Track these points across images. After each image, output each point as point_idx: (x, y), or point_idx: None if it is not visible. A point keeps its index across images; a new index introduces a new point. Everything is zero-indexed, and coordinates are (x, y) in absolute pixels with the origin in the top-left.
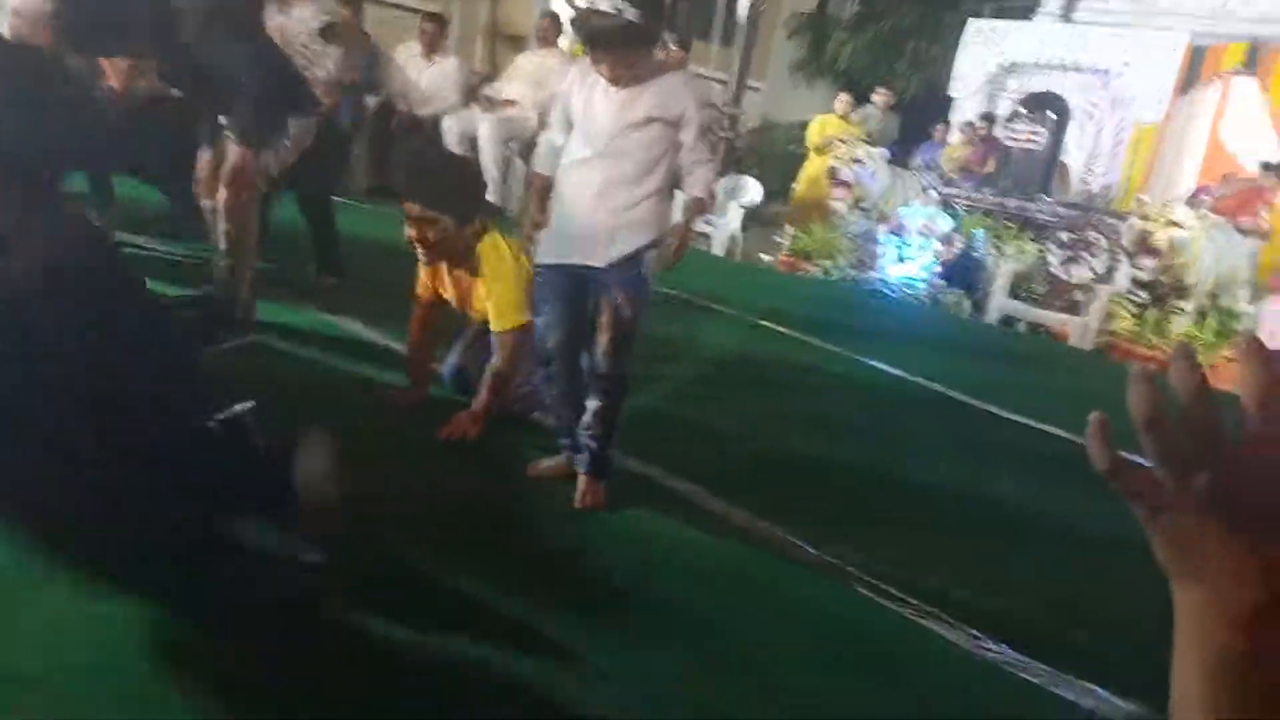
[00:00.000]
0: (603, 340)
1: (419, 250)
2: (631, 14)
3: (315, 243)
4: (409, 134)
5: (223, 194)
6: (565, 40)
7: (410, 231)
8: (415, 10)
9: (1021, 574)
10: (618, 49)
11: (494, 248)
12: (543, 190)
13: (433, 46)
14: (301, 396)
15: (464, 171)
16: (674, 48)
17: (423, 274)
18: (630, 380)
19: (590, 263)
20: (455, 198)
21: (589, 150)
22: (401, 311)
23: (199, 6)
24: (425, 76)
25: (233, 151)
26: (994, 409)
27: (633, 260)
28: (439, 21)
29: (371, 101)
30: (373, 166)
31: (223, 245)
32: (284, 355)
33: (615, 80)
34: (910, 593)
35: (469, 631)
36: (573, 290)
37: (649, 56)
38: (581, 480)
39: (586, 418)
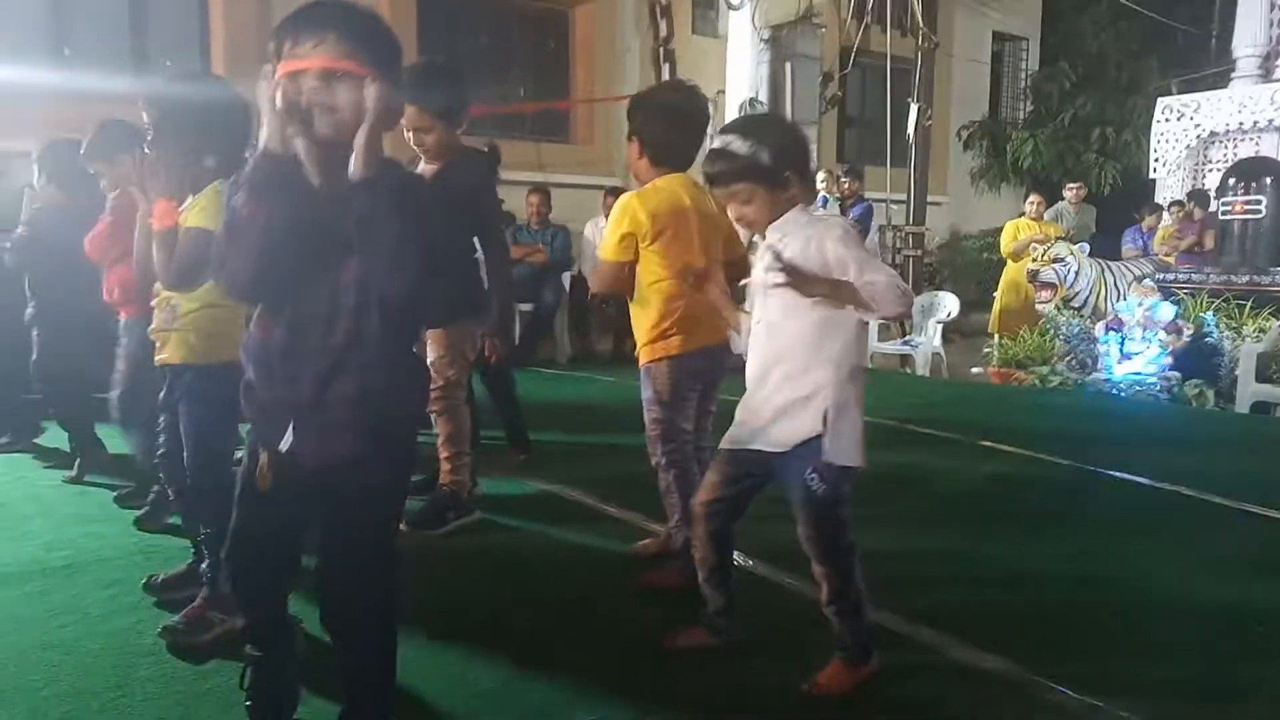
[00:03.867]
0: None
1: None
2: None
3: (502, 419)
4: (604, 301)
5: (434, 395)
6: None
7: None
8: (598, 187)
9: None
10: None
11: None
12: None
13: None
14: (528, 567)
15: None
16: (845, 179)
17: None
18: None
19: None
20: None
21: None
22: (607, 474)
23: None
24: None
25: (431, 351)
26: (1259, 509)
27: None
28: (619, 194)
29: (567, 278)
30: (576, 337)
31: (442, 440)
32: (509, 529)
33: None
34: None
35: None
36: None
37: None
38: (832, 665)
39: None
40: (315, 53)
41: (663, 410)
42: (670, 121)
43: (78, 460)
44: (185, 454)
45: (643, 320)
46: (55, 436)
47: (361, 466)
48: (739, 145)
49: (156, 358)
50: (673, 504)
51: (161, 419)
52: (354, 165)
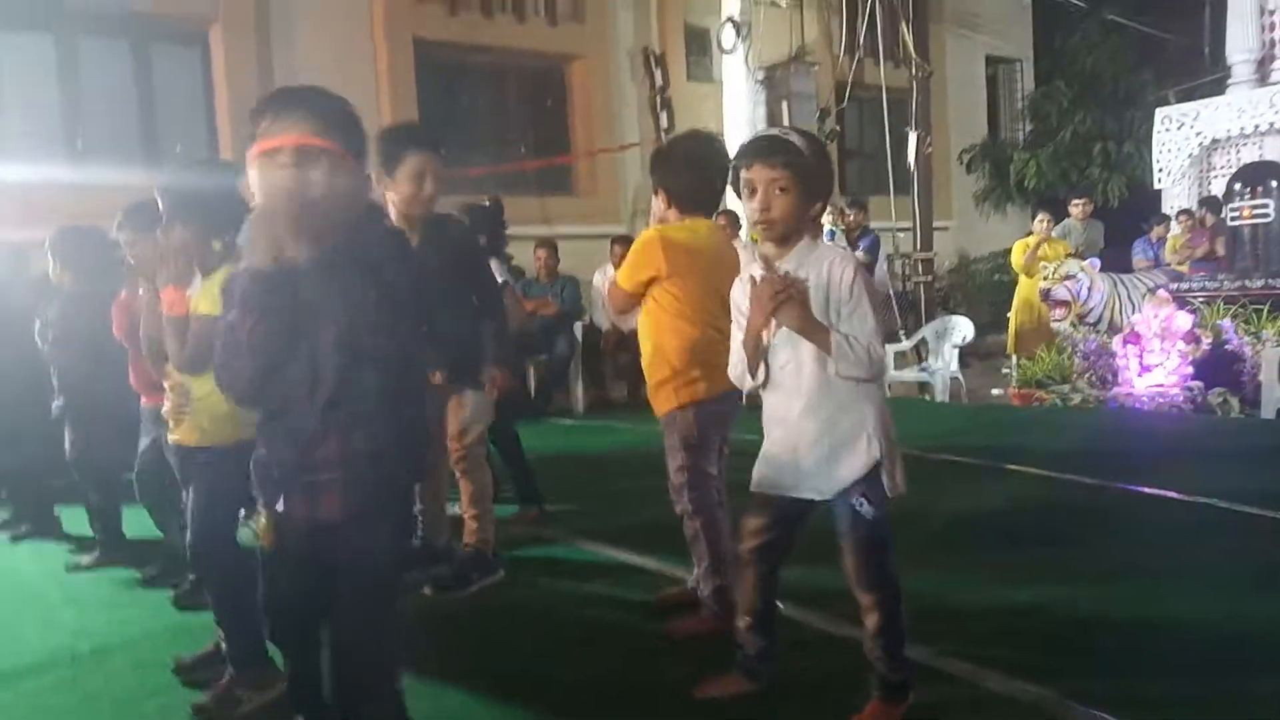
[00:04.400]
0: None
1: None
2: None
3: (511, 477)
4: (617, 349)
5: (455, 455)
6: (744, 233)
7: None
8: (604, 236)
9: None
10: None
11: None
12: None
13: None
14: (554, 622)
15: None
16: (849, 211)
17: None
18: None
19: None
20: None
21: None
22: (628, 523)
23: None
24: None
25: (454, 413)
26: None
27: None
28: (626, 242)
29: (579, 328)
30: (591, 386)
31: (466, 501)
32: (533, 586)
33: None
34: None
35: None
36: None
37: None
38: (871, 705)
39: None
40: (292, 130)
41: (689, 456)
42: (693, 170)
43: (96, 551)
44: (189, 531)
45: (660, 361)
46: (79, 522)
47: (352, 527)
48: (795, 139)
49: (170, 437)
50: (700, 552)
51: (183, 496)
52: (326, 242)
